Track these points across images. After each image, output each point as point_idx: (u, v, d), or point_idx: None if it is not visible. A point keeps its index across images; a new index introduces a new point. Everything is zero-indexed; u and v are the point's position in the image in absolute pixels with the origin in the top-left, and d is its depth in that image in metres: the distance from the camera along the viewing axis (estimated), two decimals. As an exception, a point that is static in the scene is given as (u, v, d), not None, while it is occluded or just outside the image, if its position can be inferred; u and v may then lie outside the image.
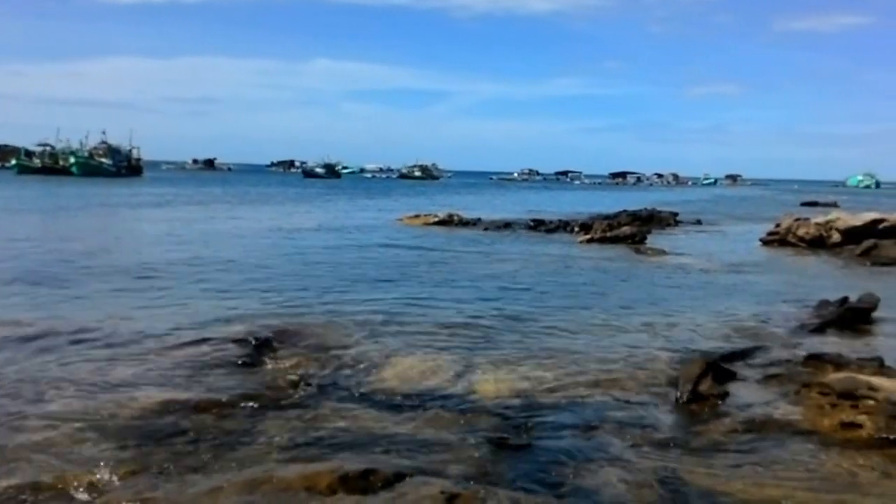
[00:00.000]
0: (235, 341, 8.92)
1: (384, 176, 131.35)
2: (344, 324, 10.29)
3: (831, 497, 5.20)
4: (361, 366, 8.23)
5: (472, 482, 5.11)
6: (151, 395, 6.92)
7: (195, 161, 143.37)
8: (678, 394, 7.38)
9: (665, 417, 6.87)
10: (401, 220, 29.89)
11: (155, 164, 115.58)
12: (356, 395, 7.22)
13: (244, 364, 8.10)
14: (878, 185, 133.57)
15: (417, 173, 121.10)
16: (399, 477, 5.00)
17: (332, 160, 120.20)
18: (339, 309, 11.37)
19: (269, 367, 8.12)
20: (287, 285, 13.54)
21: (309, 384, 7.45)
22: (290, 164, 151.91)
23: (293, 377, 7.67)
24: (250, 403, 6.81)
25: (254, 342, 8.87)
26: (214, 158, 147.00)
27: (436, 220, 28.82)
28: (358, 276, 15.19)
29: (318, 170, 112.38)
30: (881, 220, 22.21)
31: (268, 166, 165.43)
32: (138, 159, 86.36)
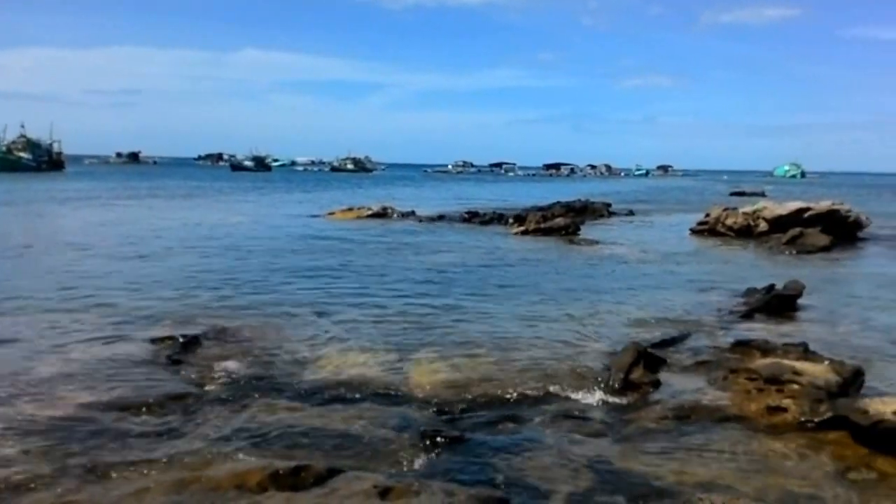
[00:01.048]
0: (163, 339, 8.77)
1: (316, 169, 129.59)
2: (275, 319, 10.20)
3: (757, 479, 5.37)
4: (293, 360, 8.18)
5: (405, 475, 5.12)
6: (75, 395, 6.75)
7: (119, 155, 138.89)
8: (610, 382, 7.53)
9: (598, 406, 6.99)
10: (333, 213, 29.58)
11: (77, 159, 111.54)
12: (287, 390, 7.16)
13: (172, 362, 7.95)
14: (803, 174, 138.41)
15: (350, 166, 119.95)
16: (331, 472, 4.96)
17: (262, 153, 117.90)
18: (270, 304, 11.24)
19: (198, 364, 7.98)
20: (215, 282, 13.28)
21: (238, 380, 7.37)
22: (219, 157, 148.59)
23: (222, 374, 7.57)
24: (178, 402, 6.70)
25: (181, 340, 8.73)
26: (139, 152, 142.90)
27: (369, 213, 28.67)
28: (289, 270, 14.98)
29: (247, 163, 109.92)
30: (806, 209, 23.05)
31: (195, 160, 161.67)
32: (59, 153, 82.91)
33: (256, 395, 6.93)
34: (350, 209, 29.91)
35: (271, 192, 52.13)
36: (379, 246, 19.77)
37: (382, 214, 28.63)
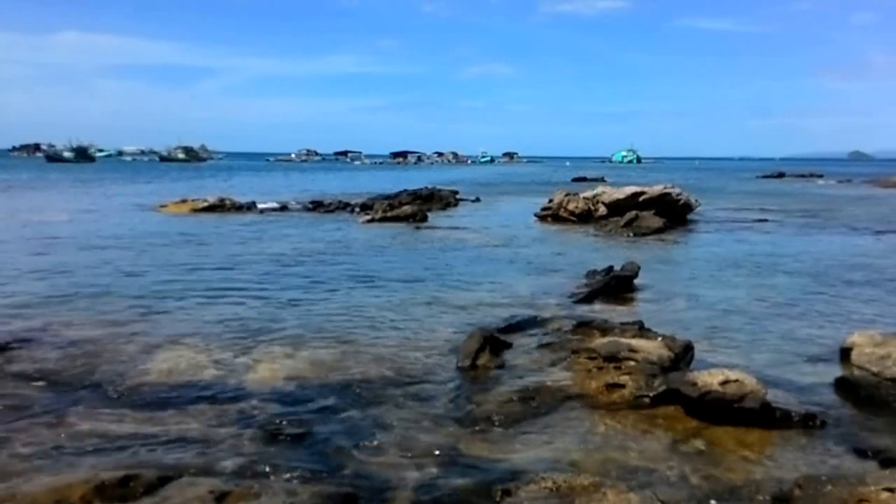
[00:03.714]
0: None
1: (146, 159, 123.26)
2: (98, 320, 9.66)
3: (598, 455, 5.63)
4: (120, 362, 7.77)
5: (245, 478, 4.99)
6: None
7: None
8: (457, 367, 7.67)
9: (445, 391, 7.08)
10: (165, 206, 28.23)
11: None
12: (114, 394, 6.81)
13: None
14: (639, 160, 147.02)
15: (181, 155, 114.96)
16: (163, 480, 4.76)
17: (85, 142, 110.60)
18: (93, 305, 10.60)
19: (10, 370, 7.43)
20: (29, 284, 12.33)
21: (58, 385, 6.94)
22: (36, 147, 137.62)
23: (38, 380, 7.09)
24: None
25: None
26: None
27: (205, 205, 27.58)
28: (115, 268, 14.17)
29: (67, 154, 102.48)
30: (641, 193, 24.47)
31: (9, 151, 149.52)
32: None
33: (77, 401, 6.54)
34: (184, 201, 28.66)
35: (94, 184, 48.72)
36: (215, 239, 19.10)
37: (220, 206, 27.63)
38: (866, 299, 11.90)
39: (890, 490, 4.37)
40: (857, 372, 7.40)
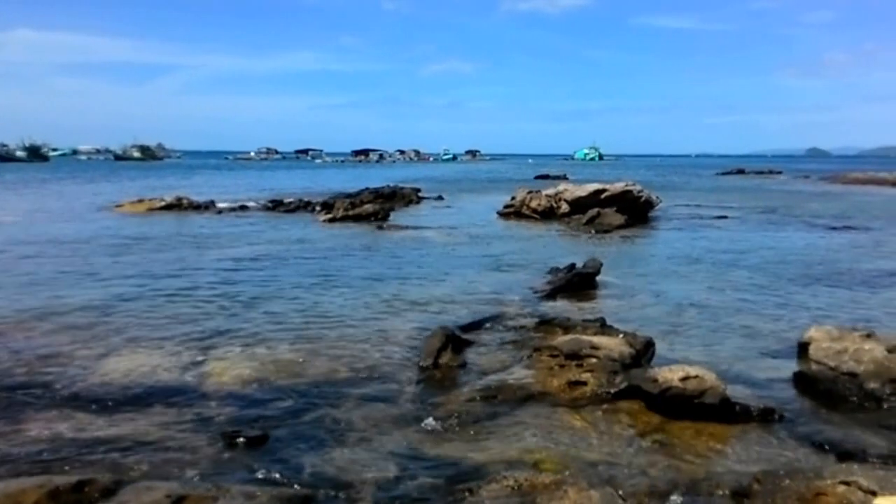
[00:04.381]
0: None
1: (102, 158, 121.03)
2: (52, 323, 9.47)
3: (561, 452, 5.66)
4: (75, 366, 7.64)
5: (203, 481, 4.93)
6: None
7: None
8: (419, 366, 7.66)
9: (407, 391, 7.07)
10: (121, 206, 27.78)
11: None
12: (69, 397, 6.69)
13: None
14: (601, 157, 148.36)
15: (136, 154, 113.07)
16: (119, 484, 4.69)
17: (38, 141, 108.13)
18: (46, 308, 10.36)
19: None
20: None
21: (11, 390, 6.79)
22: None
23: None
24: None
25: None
26: None
27: (162, 204, 27.22)
28: (71, 269, 13.92)
29: (20, 153, 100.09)
30: (603, 191, 24.68)
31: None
32: None
33: (32, 405, 6.42)
34: (140, 201, 28.26)
35: (47, 184, 47.80)
36: (173, 240, 18.83)
37: (177, 205, 27.29)
38: (824, 294, 12.15)
39: (846, 483, 4.46)
40: (814, 367, 7.53)
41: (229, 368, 7.61)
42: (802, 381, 7.37)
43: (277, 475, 5.16)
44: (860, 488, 4.40)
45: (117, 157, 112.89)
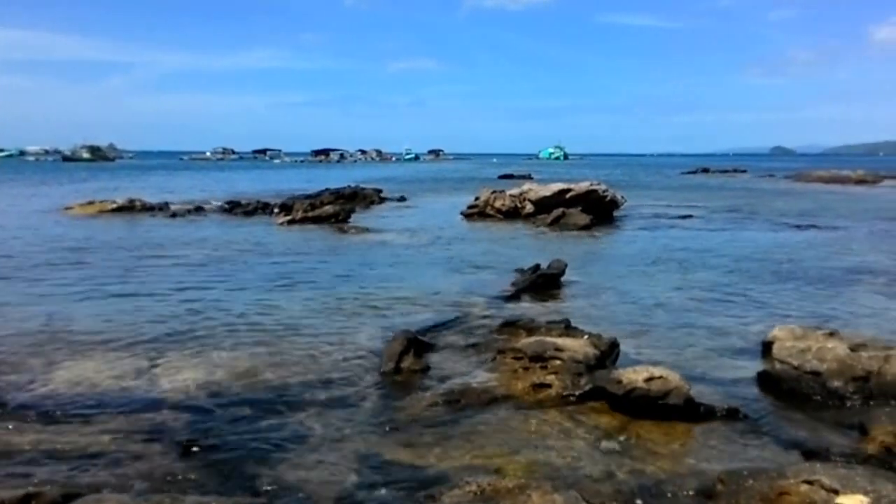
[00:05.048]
0: None
1: (51, 159, 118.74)
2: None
3: (524, 456, 5.67)
4: (21, 374, 7.49)
5: (156, 493, 4.82)
6: None
7: None
8: (381, 371, 7.62)
9: (368, 396, 7.03)
10: (71, 208, 27.27)
11: None
12: (15, 408, 6.54)
13: None
14: (566, 156, 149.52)
15: (86, 155, 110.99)
16: (68, 498, 4.57)
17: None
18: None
19: None
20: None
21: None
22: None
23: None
24: None
25: None
26: None
27: (114, 206, 26.81)
28: (15, 273, 13.65)
29: None
30: (568, 190, 24.86)
31: None
32: None
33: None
34: (91, 203, 27.80)
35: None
36: (125, 242, 18.57)
37: (129, 207, 26.89)
38: (787, 292, 12.35)
39: (809, 482, 4.52)
40: (778, 366, 7.64)
41: (183, 375, 7.49)
42: (766, 381, 7.48)
43: (234, 485, 5.10)
44: (823, 487, 4.47)
45: (66, 159, 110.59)
